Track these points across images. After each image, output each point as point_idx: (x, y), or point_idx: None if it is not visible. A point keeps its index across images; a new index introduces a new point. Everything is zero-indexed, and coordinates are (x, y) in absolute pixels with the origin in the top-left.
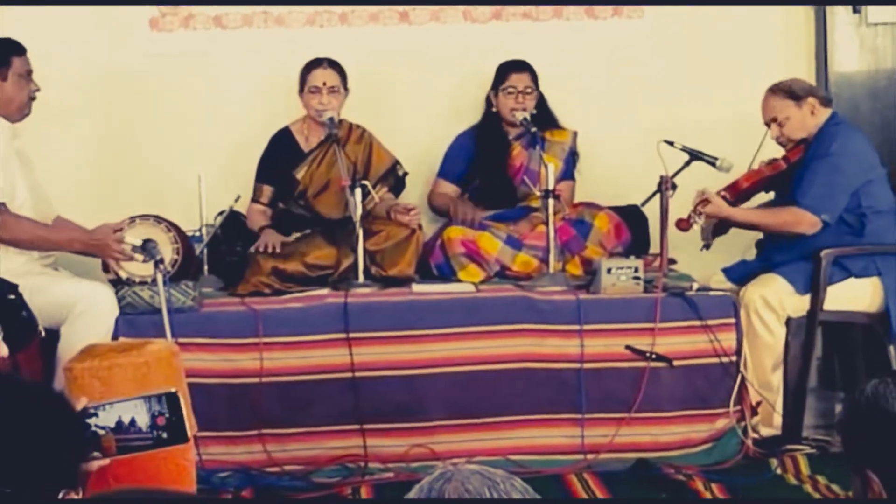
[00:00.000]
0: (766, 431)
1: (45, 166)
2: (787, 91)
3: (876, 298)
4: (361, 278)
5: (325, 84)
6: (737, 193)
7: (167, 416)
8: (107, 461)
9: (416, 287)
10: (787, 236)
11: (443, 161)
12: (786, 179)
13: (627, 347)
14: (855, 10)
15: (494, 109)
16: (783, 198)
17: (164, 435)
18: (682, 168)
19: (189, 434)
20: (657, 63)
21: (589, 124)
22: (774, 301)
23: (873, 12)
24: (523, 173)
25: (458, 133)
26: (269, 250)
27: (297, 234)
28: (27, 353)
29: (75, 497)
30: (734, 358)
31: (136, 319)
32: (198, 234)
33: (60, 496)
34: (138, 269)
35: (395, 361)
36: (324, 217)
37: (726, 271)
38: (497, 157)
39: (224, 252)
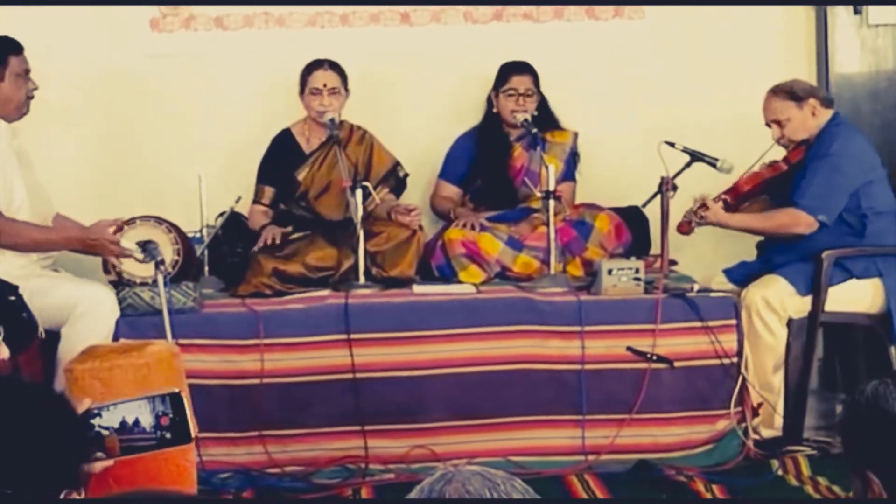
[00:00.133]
0: (767, 432)
1: (45, 167)
2: (789, 92)
3: (877, 299)
4: (362, 279)
5: (325, 86)
6: (737, 196)
7: (171, 416)
8: (110, 462)
9: (416, 288)
10: (787, 238)
11: (444, 162)
12: (787, 181)
13: (628, 349)
14: (856, 11)
15: (495, 110)
16: (782, 199)
17: (168, 435)
18: (683, 169)
19: (193, 434)
20: (658, 64)
21: (589, 125)
22: (776, 302)
23: (874, 13)
24: (524, 174)
25: (458, 134)
26: (270, 243)
27: (298, 235)
28: (28, 355)
29: (77, 497)
30: (735, 359)
31: (136, 320)
32: (198, 234)
33: (62, 496)
34: (139, 270)
35: (396, 362)
36: (325, 218)
37: (727, 272)
38: (498, 159)
39: (225, 253)
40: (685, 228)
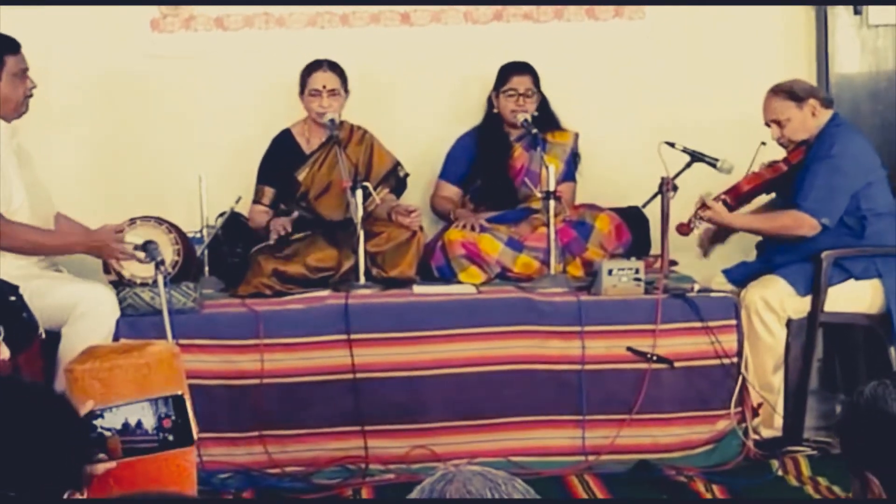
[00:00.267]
0: (766, 433)
1: (45, 167)
2: (788, 92)
3: (877, 300)
4: (362, 280)
5: (324, 87)
6: (737, 197)
7: (173, 418)
8: (113, 464)
9: (416, 288)
10: (788, 239)
11: (444, 163)
12: (787, 181)
13: (628, 349)
14: (856, 12)
15: (496, 111)
16: (784, 200)
17: (170, 437)
18: (683, 169)
19: (195, 436)
20: (658, 64)
21: (590, 125)
22: (775, 302)
23: (874, 13)
24: (524, 175)
25: (459, 134)
26: (283, 232)
27: (299, 235)
28: (28, 355)
29: (80, 497)
30: (735, 359)
31: (136, 321)
32: (198, 235)
33: (65, 497)
34: (139, 270)
35: (396, 363)
36: (325, 219)
37: (727, 273)
38: (498, 159)
39: (225, 253)
40: (685, 229)
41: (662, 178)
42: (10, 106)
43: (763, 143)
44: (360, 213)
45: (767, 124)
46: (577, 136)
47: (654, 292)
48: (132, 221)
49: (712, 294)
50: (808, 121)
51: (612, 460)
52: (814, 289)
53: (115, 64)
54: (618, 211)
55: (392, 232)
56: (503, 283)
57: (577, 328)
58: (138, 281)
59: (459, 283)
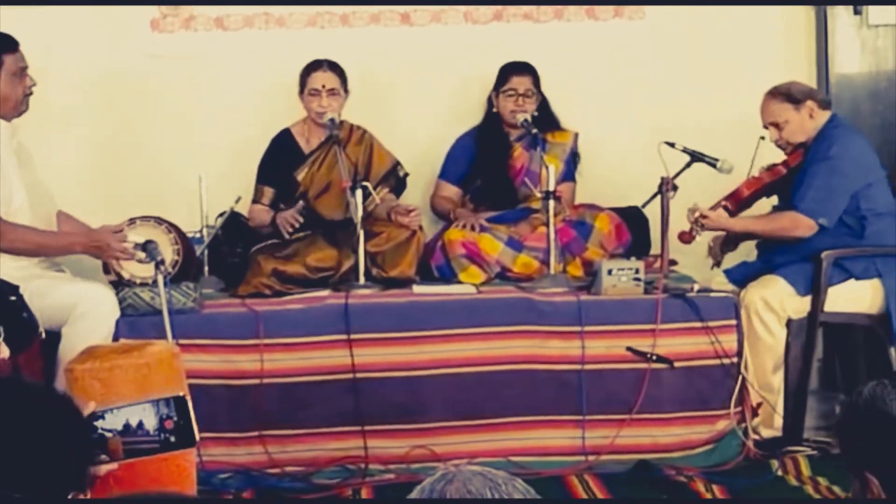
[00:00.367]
0: (766, 433)
1: (45, 167)
2: (786, 94)
3: (877, 300)
4: (362, 279)
5: (324, 87)
6: (738, 202)
7: (175, 419)
8: (115, 465)
9: (416, 288)
10: (787, 239)
11: (444, 162)
12: (787, 184)
13: (628, 349)
14: (856, 12)
15: (495, 110)
16: (784, 202)
17: (172, 439)
18: (683, 169)
19: (197, 438)
20: (658, 64)
21: (589, 125)
22: (775, 302)
23: (874, 13)
24: (524, 174)
25: (459, 134)
26: (294, 226)
27: (299, 235)
28: (28, 355)
29: (83, 498)
30: (735, 359)
31: (136, 321)
32: (198, 235)
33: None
34: (139, 270)
35: (396, 363)
36: (325, 218)
37: (727, 272)
38: (498, 159)
39: (225, 253)
40: (687, 238)
41: (662, 178)
42: (9, 105)
43: (762, 138)
44: (360, 212)
45: (766, 127)
46: (576, 135)
47: (654, 292)
48: (132, 221)
49: (712, 294)
50: (805, 123)
51: (612, 460)
52: (814, 289)
53: (115, 64)
54: (618, 211)
55: (392, 232)
56: (503, 282)
57: (577, 328)
58: (138, 281)
59: (459, 282)
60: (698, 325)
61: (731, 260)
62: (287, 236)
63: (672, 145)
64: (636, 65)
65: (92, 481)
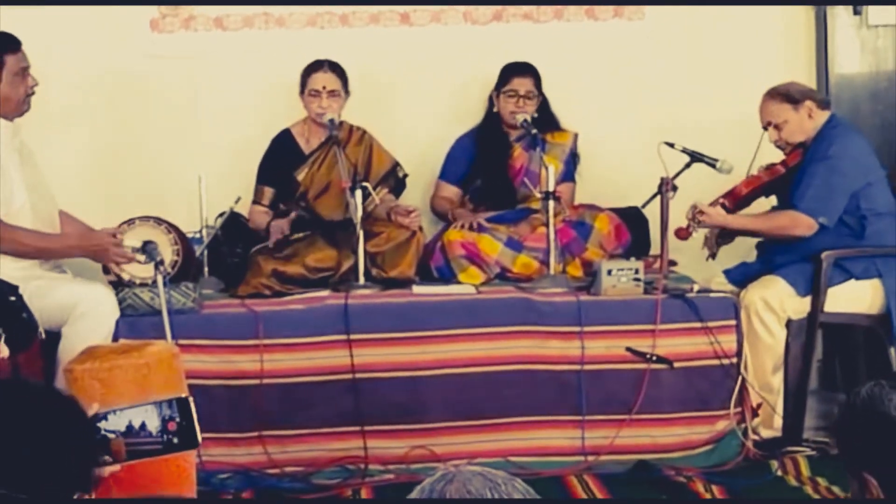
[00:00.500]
0: (766, 433)
1: (45, 167)
2: (785, 94)
3: (877, 300)
4: (362, 280)
5: (324, 88)
6: (736, 200)
7: (178, 420)
8: (118, 466)
9: (416, 289)
10: (787, 239)
11: (444, 163)
12: (785, 184)
13: (628, 349)
14: (856, 12)
15: (496, 111)
16: (783, 202)
17: (175, 440)
18: (683, 170)
19: (199, 439)
20: (658, 64)
21: (589, 126)
22: (775, 303)
23: (874, 14)
24: (524, 175)
25: (458, 134)
26: (281, 236)
27: (298, 236)
28: (27, 355)
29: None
30: (735, 360)
31: (136, 321)
32: (198, 235)
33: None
34: (139, 270)
35: (396, 363)
36: (324, 219)
37: (727, 273)
38: (498, 159)
39: (224, 253)
40: (684, 234)
41: (662, 179)
42: (11, 105)
43: (765, 128)
44: (360, 213)
45: (765, 127)
46: (576, 136)
47: (654, 292)
48: (131, 221)
49: (712, 294)
50: (804, 123)
51: (612, 460)
52: (814, 289)
53: (115, 64)
54: (617, 211)
55: (391, 232)
56: (503, 283)
57: (577, 328)
58: (138, 281)
59: (459, 283)
60: (698, 325)
61: (731, 260)
62: (271, 246)
63: (672, 146)
64: (636, 65)
65: (97, 483)
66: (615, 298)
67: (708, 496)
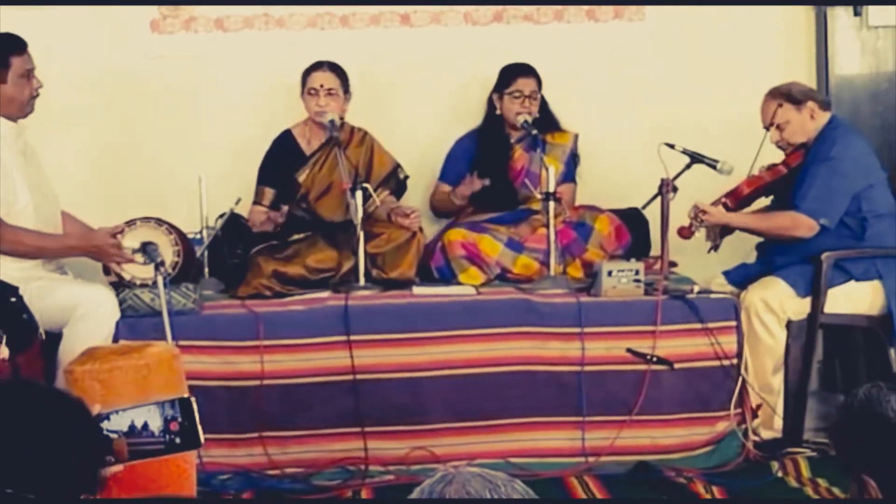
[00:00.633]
0: (766, 434)
1: (45, 168)
2: (786, 95)
3: (877, 301)
4: (362, 281)
5: (322, 86)
6: (737, 200)
7: (180, 421)
8: (120, 467)
9: (416, 290)
10: (787, 240)
11: (444, 164)
12: (786, 184)
13: (628, 350)
14: (856, 13)
15: (498, 112)
16: (783, 202)
17: (177, 440)
18: (683, 171)
19: (202, 439)
20: (658, 65)
21: (590, 127)
22: (775, 304)
23: (874, 14)
24: (524, 176)
25: (459, 135)
26: (277, 222)
27: (299, 237)
28: (28, 356)
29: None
30: (735, 361)
31: (136, 322)
32: (198, 236)
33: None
34: (139, 271)
35: (396, 364)
36: (325, 220)
37: (727, 274)
38: (498, 160)
39: (225, 254)
40: (686, 233)
41: (662, 180)
42: (15, 106)
43: (767, 129)
44: (360, 214)
45: (766, 128)
46: (576, 137)
47: (654, 294)
48: (132, 222)
49: (712, 295)
50: (806, 123)
51: (612, 461)
52: (814, 290)
53: (115, 64)
54: (617, 212)
55: (392, 233)
56: (503, 284)
57: (577, 329)
58: (138, 282)
59: (459, 284)
60: (698, 326)
61: (731, 261)
62: (270, 230)
63: (672, 147)
64: (636, 66)
65: (103, 483)
66: (615, 299)
67: (708, 497)
